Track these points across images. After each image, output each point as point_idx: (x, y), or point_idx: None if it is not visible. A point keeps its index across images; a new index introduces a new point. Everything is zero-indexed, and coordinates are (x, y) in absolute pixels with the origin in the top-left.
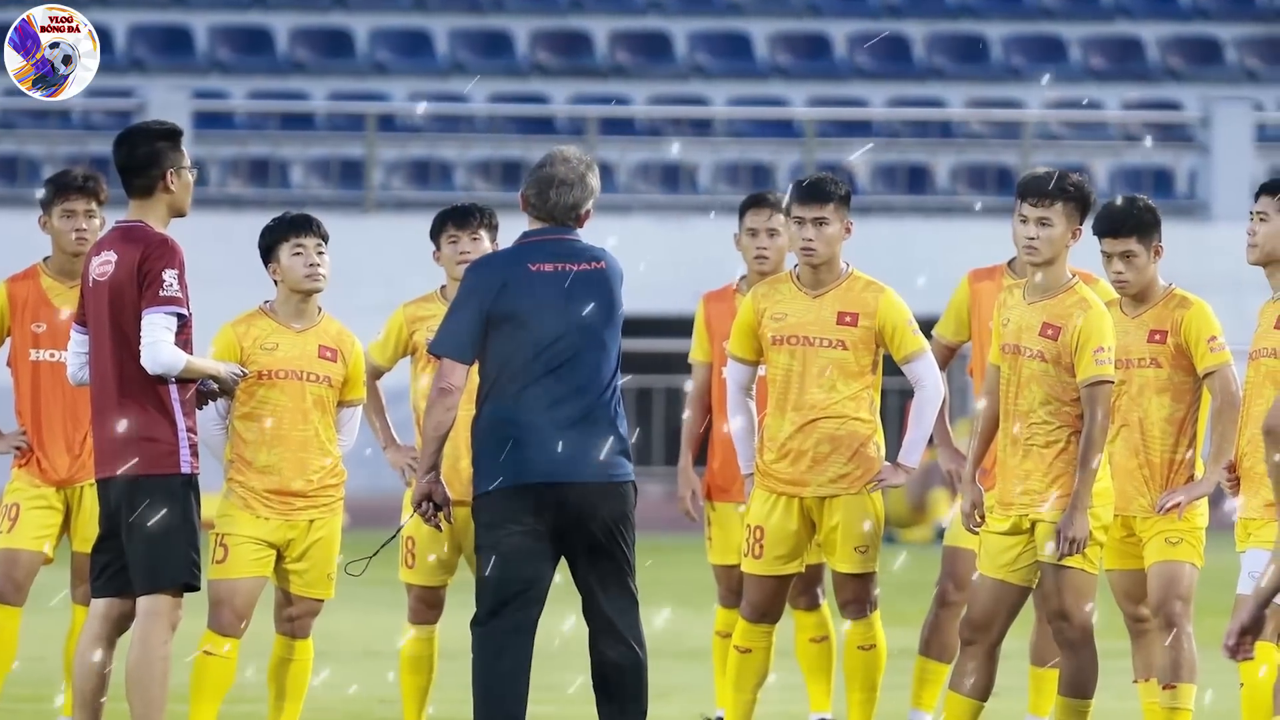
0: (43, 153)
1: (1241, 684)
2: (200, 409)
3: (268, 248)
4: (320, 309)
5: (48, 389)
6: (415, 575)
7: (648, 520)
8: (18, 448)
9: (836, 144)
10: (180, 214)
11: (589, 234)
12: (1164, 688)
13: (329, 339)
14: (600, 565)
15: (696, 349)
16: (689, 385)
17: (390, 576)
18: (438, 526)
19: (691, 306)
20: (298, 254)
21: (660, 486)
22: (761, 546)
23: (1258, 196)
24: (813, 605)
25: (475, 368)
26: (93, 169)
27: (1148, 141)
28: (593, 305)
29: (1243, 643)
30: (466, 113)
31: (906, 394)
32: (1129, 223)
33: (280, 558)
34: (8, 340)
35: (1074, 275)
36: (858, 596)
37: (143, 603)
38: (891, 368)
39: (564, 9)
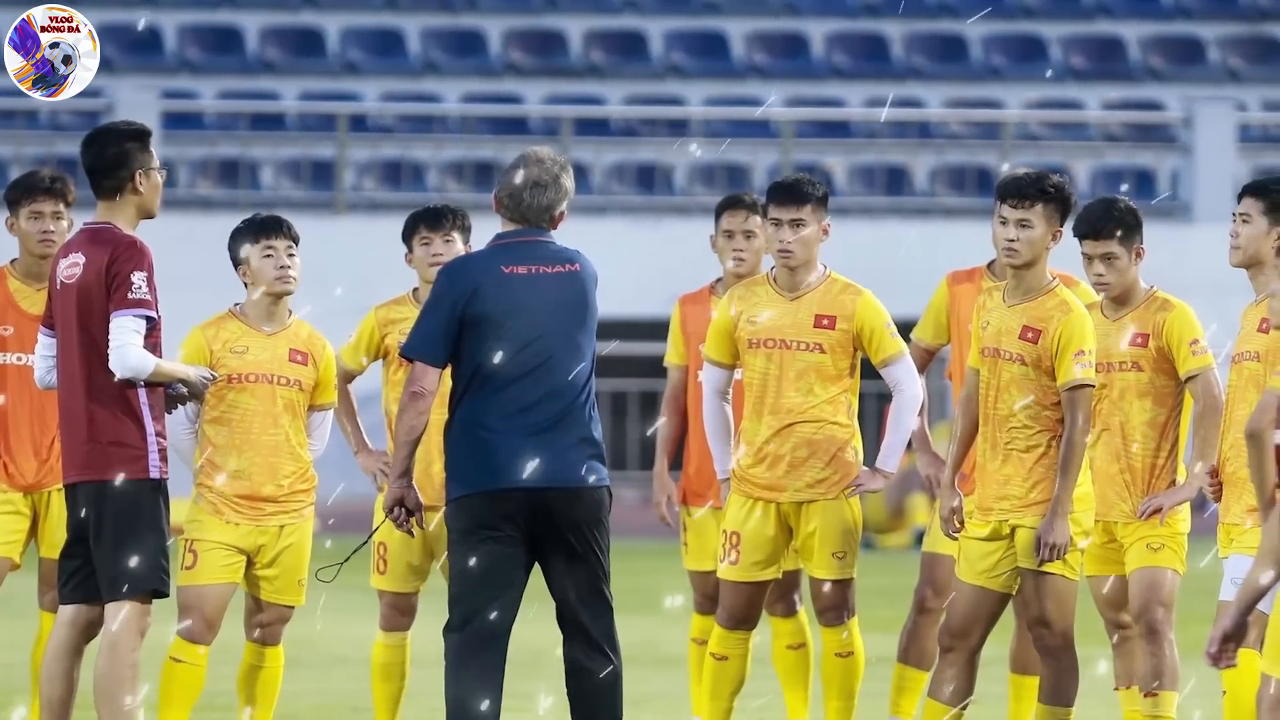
0: (9, 153)
1: (1224, 691)
2: (169, 413)
3: (237, 249)
4: (291, 312)
5: (14, 393)
6: (387, 581)
7: (623, 526)
8: None
9: (814, 144)
10: (149, 215)
11: (563, 236)
12: (1145, 695)
13: (299, 342)
14: (575, 571)
15: (672, 352)
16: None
17: (362, 582)
18: (410, 532)
19: (667, 309)
20: (268, 256)
21: (636, 491)
22: (738, 552)
23: (1240, 198)
24: (789, 612)
25: (448, 371)
26: (60, 170)
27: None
28: (567, 308)
29: (1225, 650)
30: (439, 113)
31: (885, 398)
32: (1110, 224)
33: (250, 564)
34: None
35: (1054, 278)
36: (835, 603)
37: (111, 609)
38: (870, 371)
39: (538, 8)
